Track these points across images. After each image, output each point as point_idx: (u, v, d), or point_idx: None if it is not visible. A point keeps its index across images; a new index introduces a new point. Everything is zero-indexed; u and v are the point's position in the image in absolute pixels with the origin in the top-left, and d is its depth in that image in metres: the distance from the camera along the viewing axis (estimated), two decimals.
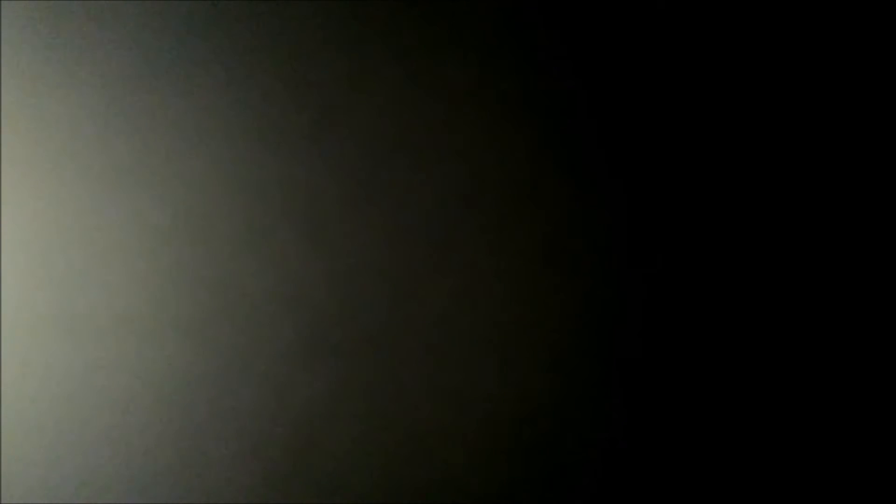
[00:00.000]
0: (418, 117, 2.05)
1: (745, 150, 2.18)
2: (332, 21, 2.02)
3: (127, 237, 1.93)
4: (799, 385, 2.17)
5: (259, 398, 1.97)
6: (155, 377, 1.93)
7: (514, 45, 2.10)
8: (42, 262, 1.90)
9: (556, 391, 2.09)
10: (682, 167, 2.16)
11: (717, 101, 2.17)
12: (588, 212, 2.12)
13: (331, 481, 1.99)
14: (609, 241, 2.12)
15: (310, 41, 2.01)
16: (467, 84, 2.07)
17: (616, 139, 2.14)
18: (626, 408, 2.12)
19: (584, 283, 2.11)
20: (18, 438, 1.88)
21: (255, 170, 1.99)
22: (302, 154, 2.01)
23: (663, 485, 2.13)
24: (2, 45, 1.89)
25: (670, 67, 2.16)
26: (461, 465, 2.04)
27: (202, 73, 1.97)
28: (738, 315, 2.16)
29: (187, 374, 1.94)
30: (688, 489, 2.13)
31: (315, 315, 1.99)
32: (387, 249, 2.03)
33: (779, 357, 2.17)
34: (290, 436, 1.98)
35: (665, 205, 2.15)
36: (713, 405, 2.15)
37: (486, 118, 2.08)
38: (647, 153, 2.15)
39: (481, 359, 2.05)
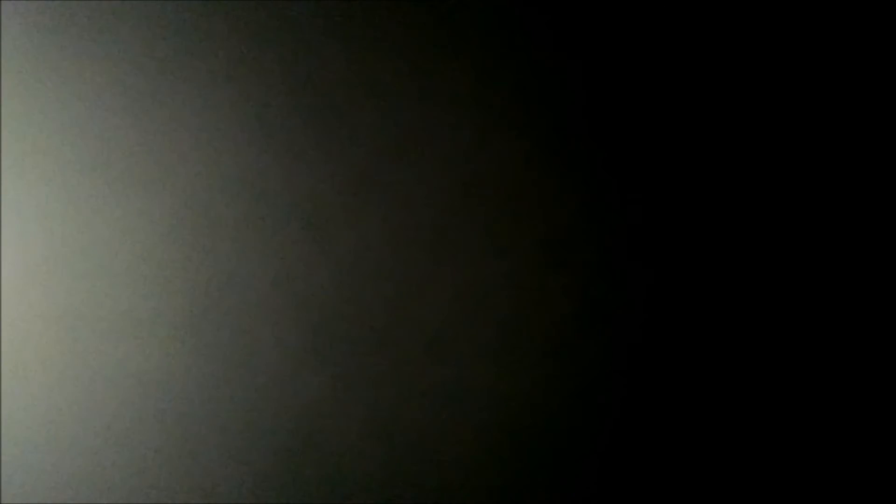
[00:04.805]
0: (418, 117, 2.05)
1: (744, 149, 2.18)
2: (332, 21, 2.02)
3: (127, 237, 1.93)
4: (799, 385, 2.17)
5: (259, 398, 1.97)
6: (155, 377, 1.93)
7: (513, 46, 2.10)
8: (42, 262, 1.90)
9: (555, 391, 2.09)
10: (682, 167, 2.16)
11: (716, 101, 2.18)
12: (588, 212, 2.12)
13: (331, 481, 1.99)
14: (609, 241, 2.12)
15: (310, 41, 2.01)
16: (467, 84, 2.07)
17: (616, 139, 2.14)
18: (626, 407, 2.12)
19: (584, 283, 2.11)
20: (18, 438, 1.88)
21: (256, 170, 1.99)
22: (302, 154, 2.01)
23: (663, 485, 2.13)
24: (2, 45, 1.89)
25: (669, 68, 2.16)
26: (461, 465, 2.04)
27: (203, 74, 1.97)
28: (739, 314, 2.16)
29: (187, 373, 1.94)
30: (688, 489, 2.14)
31: (315, 315, 1.99)
32: (387, 249, 2.03)
33: (779, 356, 2.17)
34: (290, 435, 1.98)
35: (665, 204, 2.15)
36: (713, 404, 2.15)
37: (486, 118, 2.08)
38: (647, 153, 2.15)
39: (481, 359, 2.06)
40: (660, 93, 2.15)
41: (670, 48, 2.16)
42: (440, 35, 2.07)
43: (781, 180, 2.18)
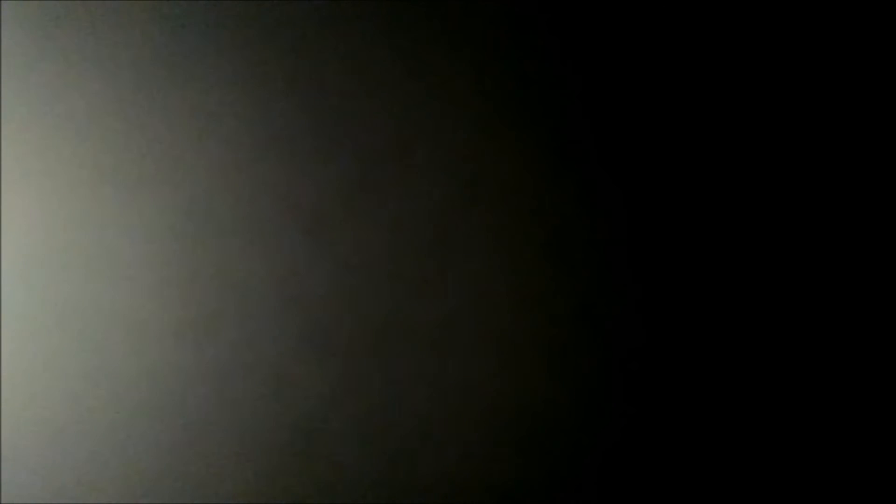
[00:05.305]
0: (419, 117, 2.05)
1: (744, 149, 2.18)
2: (332, 21, 2.02)
3: (127, 237, 1.93)
4: (799, 385, 2.17)
5: (260, 397, 1.97)
6: (155, 376, 1.93)
7: (513, 45, 2.10)
8: (42, 262, 1.90)
9: (556, 391, 2.09)
10: (682, 167, 2.16)
11: (716, 101, 2.18)
12: (588, 212, 2.12)
13: (331, 480, 1.99)
14: (609, 241, 2.12)
15: (311, 41, 2.01)
16: (467, 84, 2.07)
17: (616, 139, 2.14)
18: (626, 407, 2.12)
19: (585, 283, 2.11)
20: (18, 438, 1.88)
21: (257, 169, 1.99)
22: (303, 154, 2.01)
23: (663, 485, 2.13)
24: (2, 45, 1.89)
25: (670, 68, 2.16)
26: (461, 466, 2.04)
27: (203, 74, 1.97)
28: (738, 314, 2.16)
29: (188, 373, 1.94)
30: (688, 489, 2.14)
31: (316, 314, 2.00)
32: (387, 249, 2.03)
33: (778, 355, 2.17)
34: (290, 434, 1.98)
35: (665, 204, 2.15)
36: (713, 404, 2.15)
37: (486, 118, 2.08)
38: (647, 153, 2.15)
39: (482, 359, 2.06)
40: (661, 93, 2.15)
41: (671, 48, 2.16)
42: (440, 35, 2.07)
43: (782, 180, 2.18)
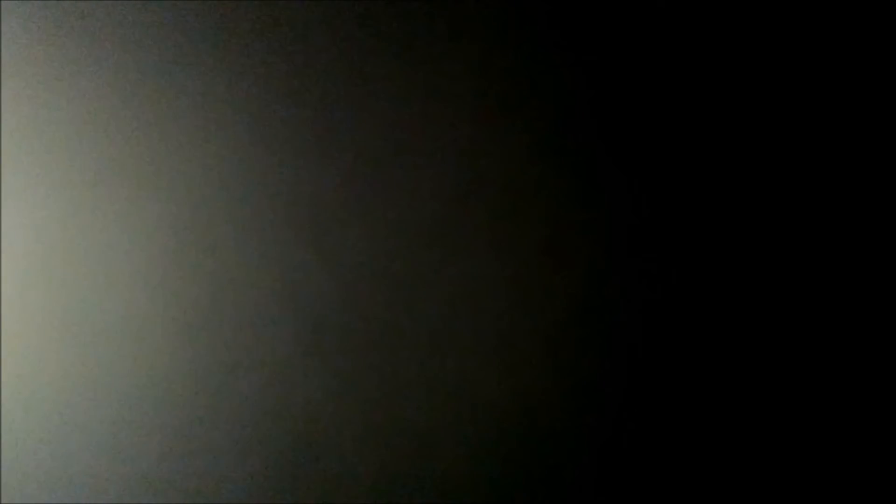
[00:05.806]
0: (418, 117, 2.05)
1: (744, 148, 2.18)
2: (332, 20, 2.02)
3: (127, 238, 1.93)
4: (799, 384, 2.17)
5: (259, 398, 1.97)
6: (155, 377, 1.93)
7: (514, 45, 2.10)
8: (42, 262, 1.90)
9: (556, 390, 2.09)
10: (682, 165, 2.16)
11: (716, 99, 2.18)
12: (588, 211, 2.12)
13: (331, 480, 1.99)
14: (609, 240, 2.12)
15: (310, 41, 2.01)
16: (467, 84, 2.07)
17: (615, 138, 2.14)
18: (626, 407, 2.12)
19: (584, 282, 2.11)
20: (18, 438, 1.88)
21: (256, 170, 1.99)
22: (302, 154, 2.01)
23: (663, 484, 2.13)
24: (2, 45, 1.89)
25: (670, 66, 2.16)
26: (461, 465, 2.04)
27: (202, 74, 1.97)
28: (739, 313, 2.16)
29: (188, 373, 1.94)
30: (688, 488, 2.14)
31: (315, 315, 1.99)
32: (387, 249, 2.03)
33: (779, 354, 2.17)
34: (290, 435, 1.98)
35: (665, 203, 2.15)
36: (713, 403, 2.15)
37: (486, 118, 2.08)
38: (647, 151, 2.15)
39: (481, 358, 2.05)
40: (662, 90, 2.15)
41: (673, 44, 2.16)
42: (440, 33, 2.07)
43: (784, 179, 2.18)
